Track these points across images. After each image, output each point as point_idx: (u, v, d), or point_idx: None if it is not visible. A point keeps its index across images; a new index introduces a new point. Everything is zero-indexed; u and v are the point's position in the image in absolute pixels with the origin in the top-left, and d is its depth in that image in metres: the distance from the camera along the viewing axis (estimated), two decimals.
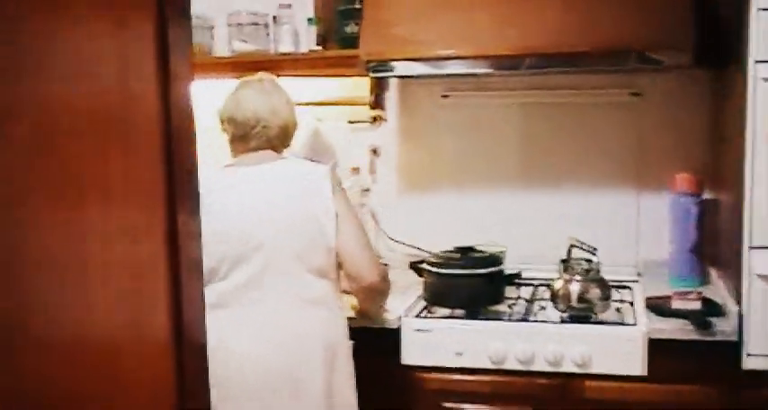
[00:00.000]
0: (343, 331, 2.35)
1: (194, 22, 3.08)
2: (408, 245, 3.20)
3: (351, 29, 2.98)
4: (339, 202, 2.30)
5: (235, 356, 2.20)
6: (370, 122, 3.22)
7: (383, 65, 2.74)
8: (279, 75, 3.06)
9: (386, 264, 2.98)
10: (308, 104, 3.21)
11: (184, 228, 0.84)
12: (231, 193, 2.29)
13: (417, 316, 2.67)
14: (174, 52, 0.82)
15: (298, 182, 2.30)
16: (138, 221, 0.82)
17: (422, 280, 2.78)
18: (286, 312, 2.24)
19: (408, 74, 2.85)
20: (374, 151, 3.24)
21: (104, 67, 0.79)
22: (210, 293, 2.23)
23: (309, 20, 3.08)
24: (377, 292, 2.43)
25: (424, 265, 2.75)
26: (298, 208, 2.26)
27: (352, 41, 2.89)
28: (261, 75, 2.51)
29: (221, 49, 3.22)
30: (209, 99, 3.23)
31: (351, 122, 3.23)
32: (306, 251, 2.25)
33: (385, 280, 2.41)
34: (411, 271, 2.87)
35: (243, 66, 3.07)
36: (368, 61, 2.73)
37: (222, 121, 2.43)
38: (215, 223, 2.20)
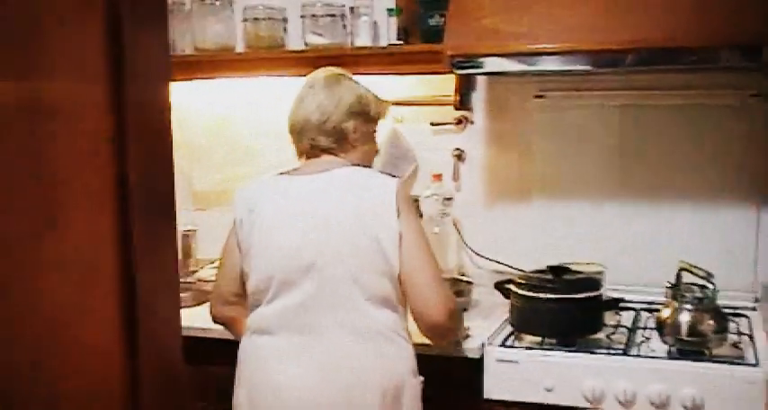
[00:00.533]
0: (409, 368, 2.07)
1: (266, 13, 2.90)
2: (494, 261, 2.96)
3: (435, 21, 2.76)
4: (406, 223, 2.03)
5: (279, 390, 2.01)
6: (455, 124, 2.98)
7: (470, 60, 2.52)
8: (355, 73, 2.85)
9: (466, 285, 2.71)
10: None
11: (145, 236, 0.83)
12: (281, 205, 2.09)
13: (502, 344, 2.41)
14: (133, 51, 0.80)
15: (358, 195, 2.05)
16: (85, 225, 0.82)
17: (508, 302, 2.52)
18: (340, 345, 2.01)
19: (498, 71, 2.61)
20: (459, 156, 2.99)
21: (48, 65, 0.81)
22: (255, 317, 2.09)
23: (390, 11, 2.87)
24: (441, 332, 2.10)
25: (512, 286, 2.50)
26: (355, 225, 2.01)
27: (436, 35, 2.68)
28: (323, 70, 2.29)
29: (295, 42, 3.03)
30: (281, 97, 3.05)
31: (433, 124, 3.00)
32: (364, 276, 2.00)
33: (452, 318, 2.07)
34: (497, 292, 2.61)
35: (317, 61, 2.88)
36: (453, 56, 2.51)
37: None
38: (261, 238, 2.07)
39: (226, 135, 3.25)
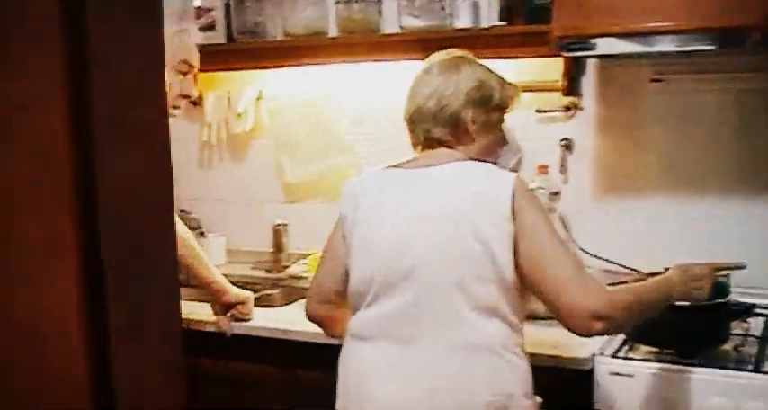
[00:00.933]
0: (522, 388, 1.84)
1: None
2: (605, 260, 2.73)
3: None
4: (531, 221, 1.80)
5: (375, 401, 1.84)
6: (563, 111, 2.77)
7: (580, 42, 2.33)
8: None
9: None
10: None
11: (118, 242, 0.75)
12: (385, 201, 1.91)
13: (615, 355, 2.19)
14: (100, 38, 0.71)
15: (468, 193, 1.84)
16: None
17: None
18: (443, 357, 1.81)
19: (611, 52, 2.41)
20: (566, 146, 2.78)
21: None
22: (355, 320, 1.93)
23: None
24: (605, 325, 1.76)
25: None
26: (463, 227, 1.80)
27: (542, 14, 2.49)
28: (444, 52, 2.07)
29: (390, 26, 2.86)
30: (376, 84, 2.90)
31: (539, 111, 2.79)
32: (469, 283, 1.79)
33: (615, 308, 1.76)
34: None
35: (414, 45, 2.76)
36: (561, 37, 2.33)
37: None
38: (363, 236, 1.91)
39: (318, 124, 3.10)
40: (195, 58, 2.40)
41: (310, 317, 2.11)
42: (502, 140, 2.08)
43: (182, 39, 2.37)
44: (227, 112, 3.16)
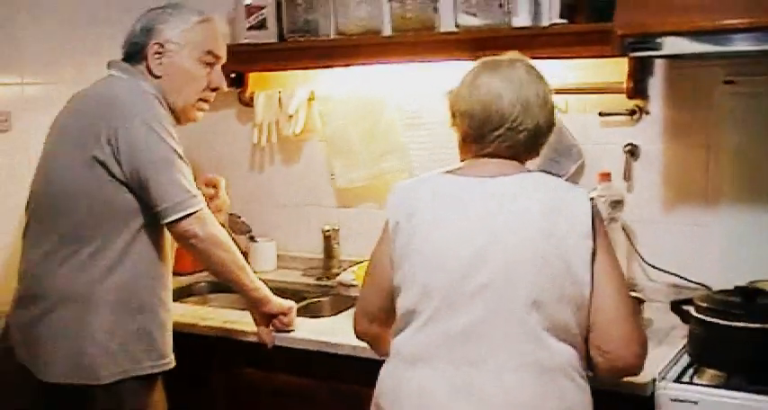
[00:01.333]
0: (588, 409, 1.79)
1: None
2: (671, 274, 2.59)
3: None
4: (601, 246, 1.76)
5: None
6: (628, 115, 2.62)
7: (646, 40, 2.18)
8: None
9: (637, 302, 2.34)
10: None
11: None
12: (447, 210, 1.80)
13: (678, 380, 2.03)
14: None
15: (544, 207, 1.75)
16: None
17: (687, 326, 2.15)
18: (514, 383, 1.71)
19: (680, 52, 2.23)
20: (631, 152, 2.63)
21: None
22: (404, 341, 1.81)
23: None
24: (624, 373, 1.83)
25: (691, 308, 2.12)
26: (542, 243, 1.72)
27: (606, 11, 2.34)
28: (512, 55, 1.94)
29: (446, 24, 2.76)
30: (432, 84, 2.79)
31: (602, 115, 2.66)
32: (546, 301, 1.71)
33: (642, 358, 1.78)
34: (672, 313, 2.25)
35: (470, 43, 2.67)
36: (626, 36, 2.18)
37: (454, 114, 1.89)
38: (422, 249, 1.78)
39: (371, 127, 3.00)
40: (222, 48, 2.33)
41: (360, 336, 2.03)
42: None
43: (205, 29, 2.30)
44: (277, 114, 3.08)
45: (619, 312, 1.74)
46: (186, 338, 2.47)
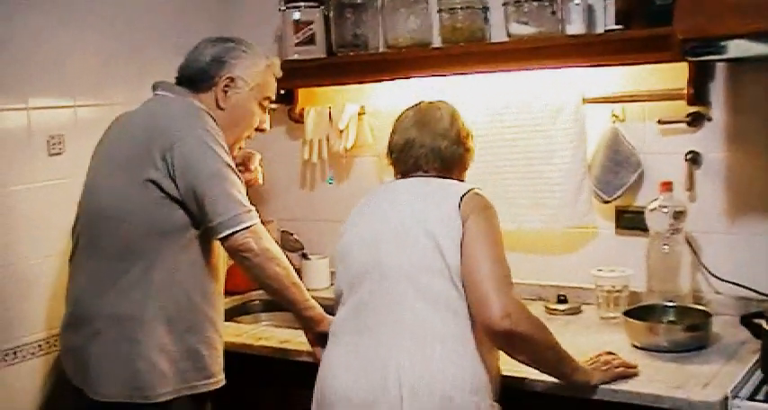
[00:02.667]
0: (470, 383, 1.88)
1: (464, 2, 2.71)
2: (740, 286, 2.48)
3: None
4: (473, 225, 1.95)
5: (336, 394, 1.96)
6: (688, 123, 2.53)
7: (707, 44, 2.09)
8: (568, 65, 2.54)
9: (702, 316, 2.25)
10: (604, 100, 2.64)
11: None
12: (363, 209, 2.15)
13: (752, 398, 1.93)
14: None
15: (425, 194, 2.05)
16: None
17: (758, 341, 2.07)
18: (393, 347, 1.91)
19: (744, 55, 2.15)
20: (693, 160, 2.54)
21: None
22: (335, 321, 2.11)
23: None
24: (506, 341, 1.90)
25: (763, 322, 2.03)
26: (415, 225, 1.99)
27: (664, 16, 2.27)
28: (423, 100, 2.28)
29: (498, 34, 2.73)
30: (481, 96, 2.73)
31: (661, 122, 2.57)
32: (417, 273, 1.94)
33: (517, 323, 1.85)
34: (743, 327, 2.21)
35: (522, 53, 2.63)
36: (686, 40, 2.10)
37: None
38: (342, 244, 2.12)
39: None
40: (275, 92, 2.42)
41: None
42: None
43: (269, 73, 2.38)
44: (328, 129, 3.05)
45: (483, 277, 1.88)
46: (241, 358, 2.45)
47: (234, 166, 2.16)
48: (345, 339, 2.01)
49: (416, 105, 2.22)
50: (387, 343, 1.91)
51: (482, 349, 1.91)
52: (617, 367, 2.03)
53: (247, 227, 2.11)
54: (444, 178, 2.11)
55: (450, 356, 1.88)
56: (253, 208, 2.16)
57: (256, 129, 2.38)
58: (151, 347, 2.12)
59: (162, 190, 2.11)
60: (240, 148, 2.40)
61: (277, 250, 2.19)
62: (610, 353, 2.09)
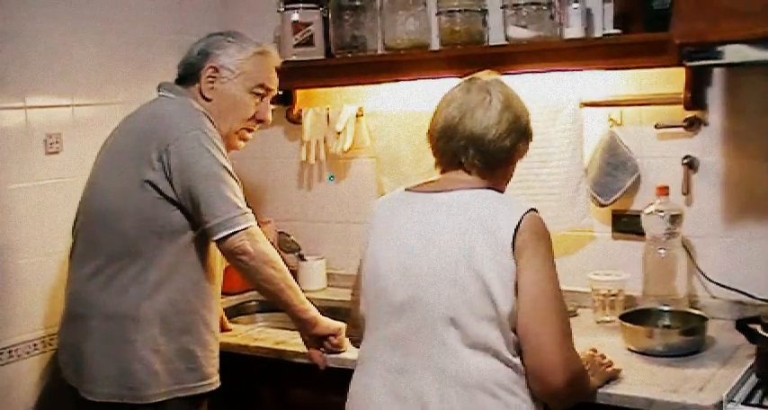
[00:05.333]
0: None
1: (462, 5, 2.71)
2: (735, 291, 2.48)
3: (660, 3, 2.36)
4: (532, 264, 1.73)
5: None
6: (685, 127, 2.53)
7: (704, 49, 2.09)
8: (566, 69, 2.52)
9: (698, 320, 2.26)
10: (602, 104, 2.64)
11: None
12: (392, 225, 1.88)
13: (747, 402, 1.93)
14: None
15: (472, 220, 1.77)
16: None
17: (753, 346, 2.06)
18: (435, 393, 1.74)
19: (740, 61, 2.11)
20: (690, 164, 2.54)
21: None
22: (362, 345, 1.93)
23: None
24: (559, 400, 1.78)
25: (758, 327, 2.02)
26: (460, 258, 1.74)
27: (662, 20, 2.29)
28: (486, 73, 1.98)
29: (496, 37, 2.72)
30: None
31: (659, 127, 2.56)
32: (462, 318, 1.73)
33: (574, 384, 1.75)
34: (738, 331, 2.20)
35: (520, 57, 2.61)
36: (683, 45, 2.10)
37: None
38: (370, 260, 1.88)
39: (421, 143, 2.91)
40: (274, 82, 2.37)
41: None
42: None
43: (261, 61, 2.33)
44: (326, 130, 3.04)
45: (549, 335, 1.71)
46: (237, 358, 2.44)
47: (230, 168, 2.15)
48: (381, 373, 1.82)
49: (466, 83, 1.90)
50: (429, 392, 1.74)
51: (532, 402, 1.77)
52: (608, 367, 2.02)
53: (243, 230, 2.11)
54: (490, 184, 1.85)
55: (505, 407, 1.72)
56: (249, 210, 2.15)
57: (256, 120, 2.35)
58: (145, 347, 2.12)
59: (159, 191, 2.11)
60: (243, 141, 2.38)
61: (273, 253, 2.18)
62: (594, 351, 2.06)
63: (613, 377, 2.02)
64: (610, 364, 2.04)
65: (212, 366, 2.23)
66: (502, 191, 1.90)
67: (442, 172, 1.91)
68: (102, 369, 2.14)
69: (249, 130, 2.36)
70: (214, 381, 2.23)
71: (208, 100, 2.27)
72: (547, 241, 1.78)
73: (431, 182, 1.92)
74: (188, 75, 2.30)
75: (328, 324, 2.30)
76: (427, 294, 1.76)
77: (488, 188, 1.84)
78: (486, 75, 1.94)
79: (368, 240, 1.90)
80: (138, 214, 2.12)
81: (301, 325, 2.27)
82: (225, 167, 2.13)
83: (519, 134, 1.88)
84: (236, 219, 2.10)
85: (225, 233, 2.10)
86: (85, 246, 2.22)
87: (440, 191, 1.84)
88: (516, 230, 1.72)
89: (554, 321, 1.72)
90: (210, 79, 2.28)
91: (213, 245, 2.18)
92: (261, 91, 2.33)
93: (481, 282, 1.71)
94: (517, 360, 1.75)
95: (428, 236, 1.79)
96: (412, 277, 1.78)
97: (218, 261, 2.25)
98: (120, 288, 2.13)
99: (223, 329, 2.52)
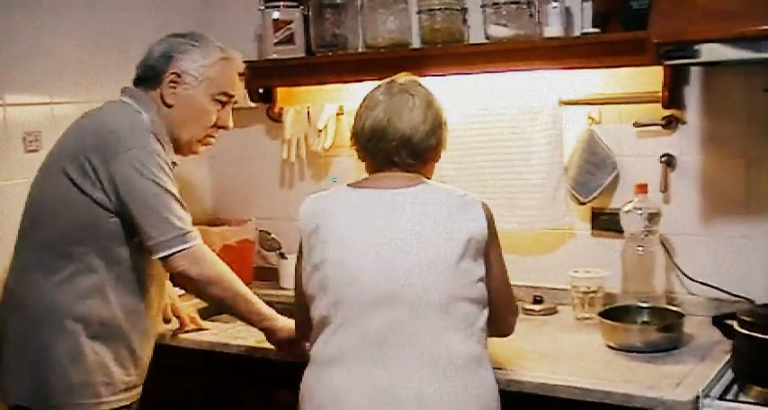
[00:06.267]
0: (494, 396, 1.91)
1: (443, 3, 2.70)
2: (712, 287, 2.50)
3: (639, 3, 2.37)
4: (494, 246, 1.94)
5: None
6: (663, 125, 2.54)
7: (682, 48, 2.09)
8: (546, 67, 2.53)
9: (676, 317, 2.28)
10: (581, 102, 2.65)
11: None
12: (354, 222, 1.90)
13: (722, 397, 1.94)
14: None
15: (441, 215, 1.87)
16: None
17: (730, 341, 2.07)
18: (424, 380, 1.81)
19: (717, 59, 2.13)
20: (668, 163, 2.55)
21: None
22: (322, 346, 1.90)
23: None
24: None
25: (734, 323, 2.04)
26: (438, 247, 1.83)
27: (640, 20, 2.27)
28: (403, 75, 2.06)
29: (476, 35, 2.72)
30: (459, 97, 2.73)
31: (637, 125, 2.57)
32: (449, 303, 1.83)
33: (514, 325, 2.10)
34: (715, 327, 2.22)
35: (500, 55, 2.62)
36: (661, 44, 2.10)
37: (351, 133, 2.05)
38: (330, 259, 1.88)
39: None
40: (237, 88, 2.32)
41: None
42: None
43: (225, 67, 2.26)
44: (306, 129, 3.04)
45: (509, 307, 2.02)
46: (218, 357, 2.44)
47: (172, 187, 2.10)
48: (357, 368, 1.84)
49: (387, 87, 2.00)
50: (418, 382, 1.80)
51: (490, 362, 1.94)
52: None
53: (181, 251, 2.07)
54: (419, 174, 1.96)
55: (481, 381, 1.86)
56: (192, 229, 2.11)
57: (217, 127, 2.29)
58: (63, 355, 2.08)
59: (94, 199, 2.07)
60: (206, 145, 2.31)
61: (217, 272, 2.14)
62: None
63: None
64: None
65: (129, 384, 2.18)
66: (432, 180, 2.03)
67: (374, 171, 1.98)
68: (18, 371, 2.11)
69: (211, 136, 2.31)
70: (127, 397, 2.18)
71: (169, 106, 2.20)
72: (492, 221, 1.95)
73: (371, 178, 1.98)
74: (148, 77, 2.22)
75: (289, 328, 2.24)
76: (413, 285, 1.80)
77: (432, 182, 1.97)
78: (403, 77, 2.03)
79: (316, 242, 1.89)
80: (73, 219, 2.08)
81: (264, 332, 2.25)
82: (163, 186, 2.07)
83: (440, 131, 1.99)
84: (173, 241, 2.06)
85: (163, 253, 2.06)
86: (24, 239, 2.19)
87: (395, 188, 1.90)
88: (488, 220, 1.89)
89: (511, 294, 2.02)
90: (172, 85, 2.20)
91: (154, 264, 2.14)
92: (224, 98, 2.26)
93: (462, 269, 1.83)
94: (485, 336, 1.91)
95: (405, 230, 1.84)
96: (395, 271, 1.81)
97: (156, 280, 2.21)
98: (51, 287, 2.09)
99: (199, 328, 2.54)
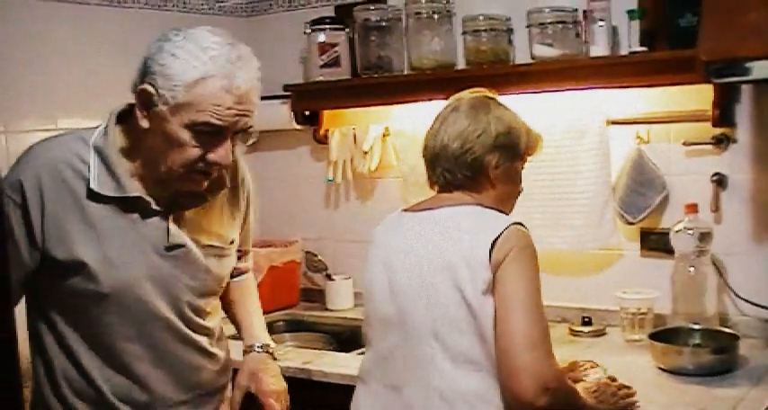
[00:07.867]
0: None
1: (488, 24, 2.68)
2: (766, 308, 2.44)
3: (687, 21, 2.35)
4: (510, 275, 1.68)
5: None
6: (714, 144, 2.50)
7: (731, 66, 2.06)
8: (592, 86, 2.50)
9: (729, 339, 2.23)
10: (628, 122, 2.62)
11: None
12: (384, 245, 1.89)
13: None
14: None
15: (454, 236, 1.76)
16: None
17: None
18: (418, 406, 1.76)
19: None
20: (719, 182, 2.51)
21: None
22: (361, 361, 1.96)
23: (631, 12, 2.47)
24: (521, 408, 1.66)
25: None
26: (443, 273, 1.74)
27: (688, 37, 2.24)
28: (471, 91, 1.97)
29: (522, 55, 2.72)
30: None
31: (687, 144, 2.54)
32: (443, 332, 1.73)
33: (547, 399, 1.62)
34: None
35: (546, 75, 2.60)
36: (710, 62, 2.07)
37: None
38: (366, 279, 1.91)
39: None
40: (226, 117, 1.69)
41: None
42: (519, 189, 1.94)
43: (206, 89, 1.64)
44: (352, 150, 3.05)
45: (519, 344, 1.62)
46: None
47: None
48: (374, 387, 1.85)
49: (447, 104, 1.93)
50: (419, 407, 1.75)
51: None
52: (624, 398, 1.94)
53: None
54: (480, 202, 1.81)
55: None
56: None
57: (206, 162, 1.69)
58: None
59: None
60: (204, 180, 1.75)
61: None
62: (612, 379, 2.00)
63: (628, 407, 1.95)
64: (628, 396, 1.96)
65: None
66: (502, 210, 1.83)
67: (439, 192, 1.90)
68: None
69: (204, 173, 1.72)
70: None
71: (145, 129, 1.69)
72: (529, 252, 1.72)
73: (424, 201, 1.91)
74: (132, 90, 1.72)
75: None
76: (410, 311, 1.76)
77: (478, 205, 1.81)
78: (466, 93, 1.95)
79: (366, 262, 1.91)
80: None
81: None
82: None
83: (485, 146, 1.81)
84: None
85: None
86: None
87: (426, 210, 1.85)
88: (494, 243, 1.69)
89: (524, 327, 1.64)
90: (143, 105, 1.68)
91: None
92: (205, 128, 1.65)
93: (461, 297, 1.69)
94: (495, 372, 1.71)
95: (409, 253, 1.80)
96: (396, 294, 1.80)
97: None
98: None
99: None
